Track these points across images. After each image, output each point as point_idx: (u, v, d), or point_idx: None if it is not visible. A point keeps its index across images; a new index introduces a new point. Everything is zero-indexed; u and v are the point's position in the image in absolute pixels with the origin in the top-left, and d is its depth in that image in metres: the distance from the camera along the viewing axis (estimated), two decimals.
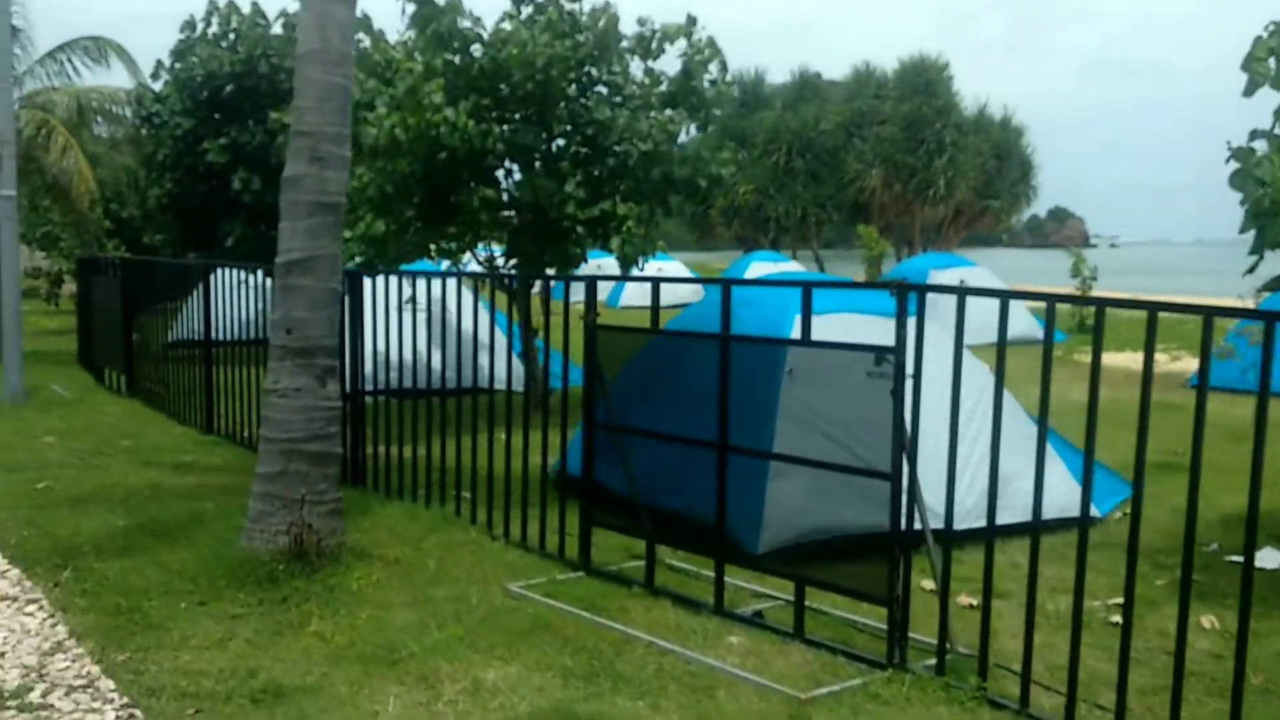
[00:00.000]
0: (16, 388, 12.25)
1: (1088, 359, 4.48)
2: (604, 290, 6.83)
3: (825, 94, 34.50)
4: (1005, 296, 4.80)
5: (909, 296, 4.83)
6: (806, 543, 6.43)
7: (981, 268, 20.84)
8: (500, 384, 12.02)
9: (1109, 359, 4.81)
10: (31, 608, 5.37)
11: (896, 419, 4.75)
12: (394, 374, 9.96)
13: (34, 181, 17.93)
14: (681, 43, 10.90)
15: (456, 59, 10.33)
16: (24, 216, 20.78)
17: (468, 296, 11.76)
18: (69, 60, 17.58)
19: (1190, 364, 16.00)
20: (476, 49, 10.44)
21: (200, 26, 16.59)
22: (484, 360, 10.42)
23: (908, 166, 29.96)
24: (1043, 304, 4.57)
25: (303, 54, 6.30)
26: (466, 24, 10.37)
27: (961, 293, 4.86)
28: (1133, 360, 17.01)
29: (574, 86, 10.66)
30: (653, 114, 10.52)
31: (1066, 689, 4.32)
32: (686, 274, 26.69)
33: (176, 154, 16.46)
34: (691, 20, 10.74)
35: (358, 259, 11.09)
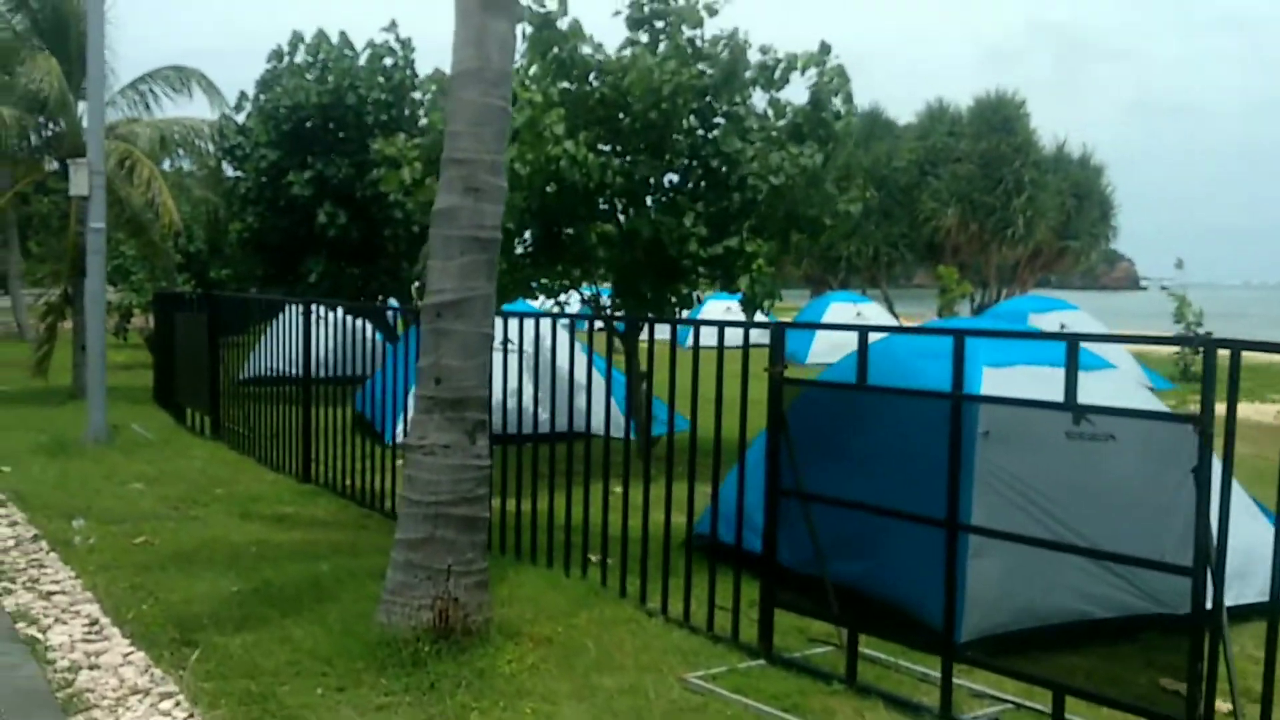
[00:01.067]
0: (100, 428, 11.71)
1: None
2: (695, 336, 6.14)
3: (896, 130, 33.75)
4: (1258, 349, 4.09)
5: (1212, 352, 4.07)
6: (1010, 631, 5.67)
7: (1082, 311, 19.96)
8: (599, 430, 11.41)
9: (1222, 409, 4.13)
10: (167, 704, 4.69)
11: (1201, 504, 3.97)
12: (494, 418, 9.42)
13: (113, 213, 17.52)
14: (808, 71, 10.24)
15: (574, 87, 9.73)
16: None
17: (565, 337, 11.14)
18: (150, 90, 17.25)
19: None
20: (593, 76, 9.83)
21: (287, 57, 16.16)
22: (581, 403, 9.80)
23: (985, 205, 29.05)
24: (1148, 347, 3.85)
25: (459, 74, 5.67)
26: (587, 50, 9.78)
27: (1243, 347, 4.11)
28: (1252, 411, 16.10)
29: (693, 117, 10.02)
30: (784, 148, 9.83)
31: None
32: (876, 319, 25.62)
33: (259, 187, 15.99)
34: (825, 49, 10.09)
35: None
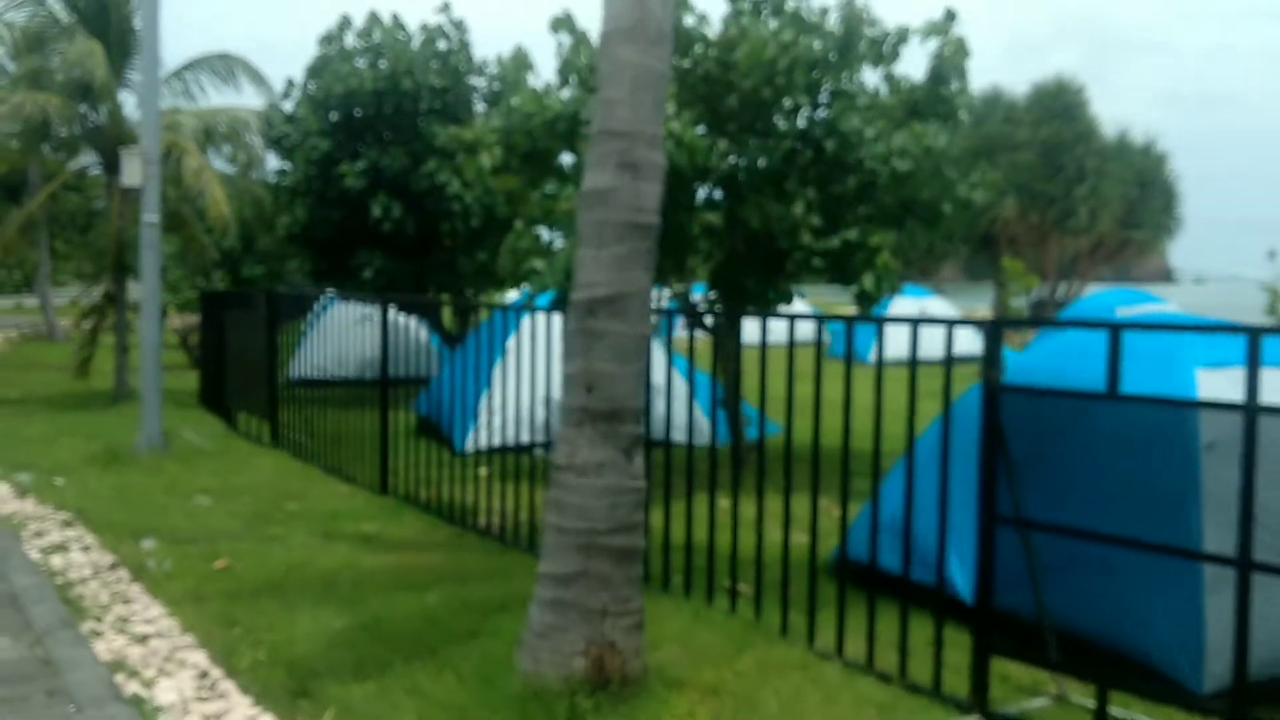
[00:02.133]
0: (155, 435, 10.95)
1: None
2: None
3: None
4: None
5: None
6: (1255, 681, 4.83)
7: (1170, 304, 19.01)
8: (680, 436, 10.61)
9: None
10: None
11: None
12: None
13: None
14: (928, 42, 9.38)
15: (676, 62, 8.89)
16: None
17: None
18: (195, 79, 16.50)
19: None
20: (698, 49, 9.00)
21: (338, 42, 15.35)
22: (660, 407, 9.03)
23: (1045, 195, 28.09)
24: None
25: (612, 31, 4.84)
26: (690, 21, 8.95)
27: None
28: None
29: (802, 95, 9.17)
30: (908, 128, 8.98)
31: None
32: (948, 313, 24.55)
33: (309, 179, 15.21)
34: (950, 16, 9.21)
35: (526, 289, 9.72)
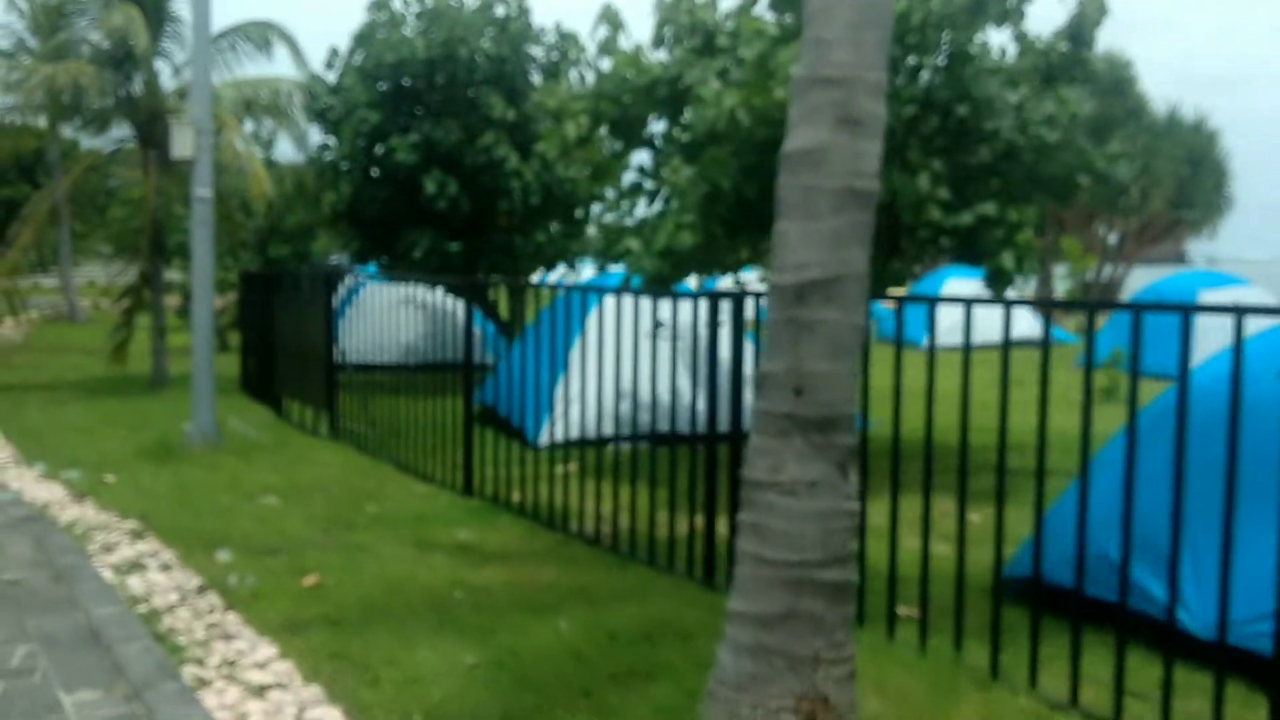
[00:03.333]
0: (208, 426, 10.16)
1: None
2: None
3: None
4: None
5: None
6: None
7: (1255, 285, 18.10)
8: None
9: None
10: None
11: None
12: (646, 415, 7.96)
13: (186, 185, 16.01)
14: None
15: (793, 20, 8.04)
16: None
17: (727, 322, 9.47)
18: (232, 48, 15.65)
19: None
20: None
21: (393, 6, 14.44)
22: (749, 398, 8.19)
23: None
24: None
25: None
26: None
27: None
28: None
29: (930, 55, 8.30)
30: (1054, 92, 8.12)
31: None
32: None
33: (355, 153, 14.35)
34: None
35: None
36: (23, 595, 5.46)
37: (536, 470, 7.94)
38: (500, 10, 14.35)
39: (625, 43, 9.14)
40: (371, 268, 15.99)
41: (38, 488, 8.14)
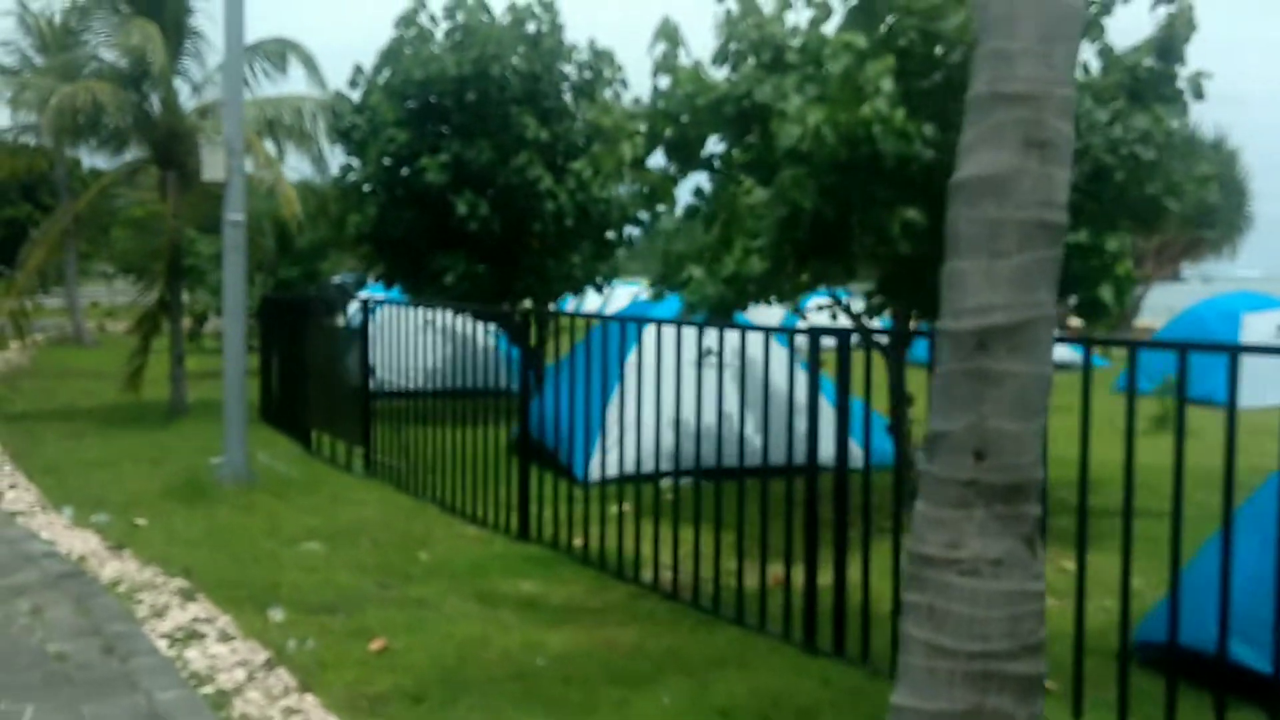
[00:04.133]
0: (240, 463, 9.64)
1: None
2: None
3: None
4: None
5: None
6: None
7: None
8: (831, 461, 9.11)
9: None
10: None
11: None
12: (699, 447, 7.49)
13: (206, 207, 15.52)
14: (1157, 10, 8.02)
15: (876, 33, 7.55)
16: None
17: (779, 351, 8.99)
18: (250, 66, 15.16)
19: None
20: (894, 17, 7.65)
21: (420, 22, 13.95)
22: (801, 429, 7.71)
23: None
24: None
25: None
26: None
27: None
28: None
29: None
30: (1149, 111, 7.64)
31: None
32: None
33: (382, 173, 13.86)
34: None
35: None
36: (73, 672, 4.92)
37: (591, 509, 7.48)
38: (532, 27, 13.87)
39: (685, 59, 8.65)
40: (394, 291, 15.48)
41: (70, 537, 7.59)
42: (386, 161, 13.85)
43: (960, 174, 3.55)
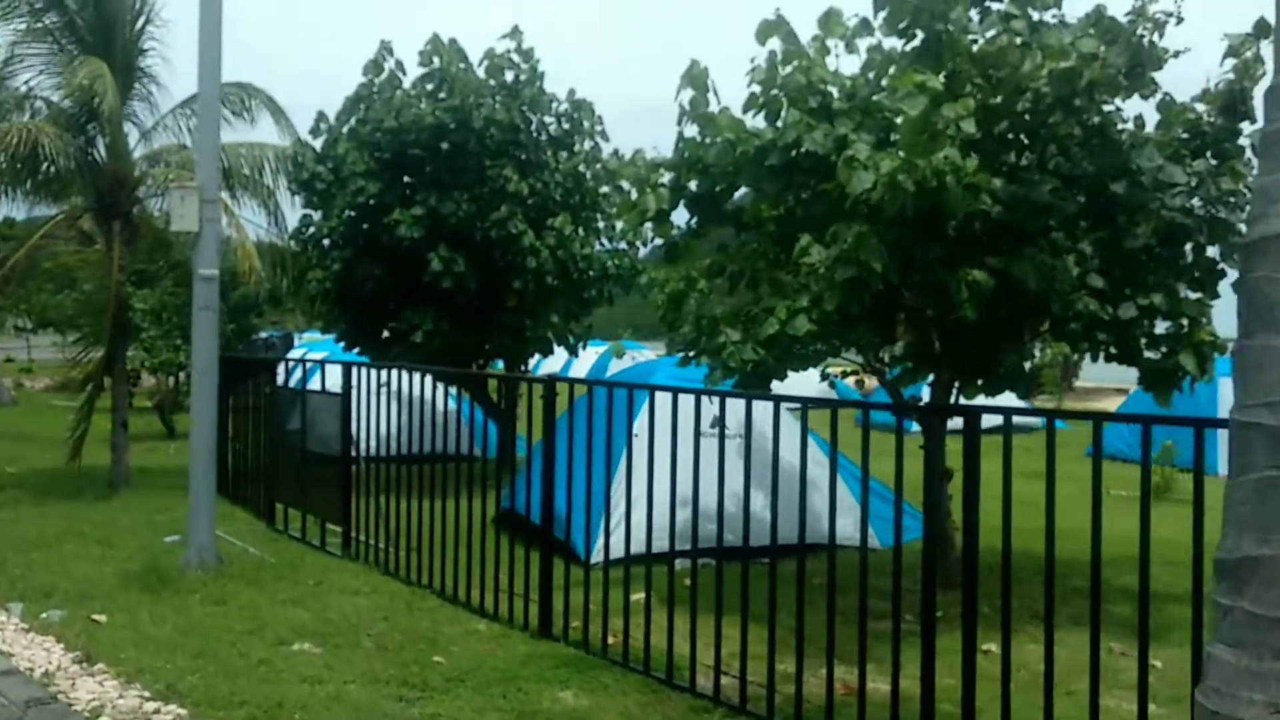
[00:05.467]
0: (207, 546, 8.62)
1: None
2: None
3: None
4: None
5: None
6: None
7: None
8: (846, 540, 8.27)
9: None
10: None
11: None
12: (710, 526, 6.63)
13: (156, 257, 14.49)
14: (1226, 62, 7.55)
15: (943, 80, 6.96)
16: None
17: (789, 421, 8.15)
18: None
19: None
20: (955, 63, 7.08)
21: (387, 68, 13.15)
22: (816, 505, 7.02)
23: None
24: None
25: None
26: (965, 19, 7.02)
27: None
28: None
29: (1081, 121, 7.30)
30: (1231, 167, 7.16)
31: None
32: None
33: (350, 226, 12.98)
34: (1263, 28, 7.38)
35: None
36: None
37: (610, 597, 6.70)
38: (509, 75, 13.15)
39: (714, 105, 7.98)
40: (350, 353, 14.48)
41: (27, 645, 6.52)
42: (352, 214, 12.97)
43: (1262, 228, 2.86)
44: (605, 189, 13.76)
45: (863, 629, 5.27)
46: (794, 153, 7.14)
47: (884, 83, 7.18)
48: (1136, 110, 8.13)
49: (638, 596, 6.67)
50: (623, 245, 14.23)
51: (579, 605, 6.91)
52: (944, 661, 5.06)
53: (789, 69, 7.37)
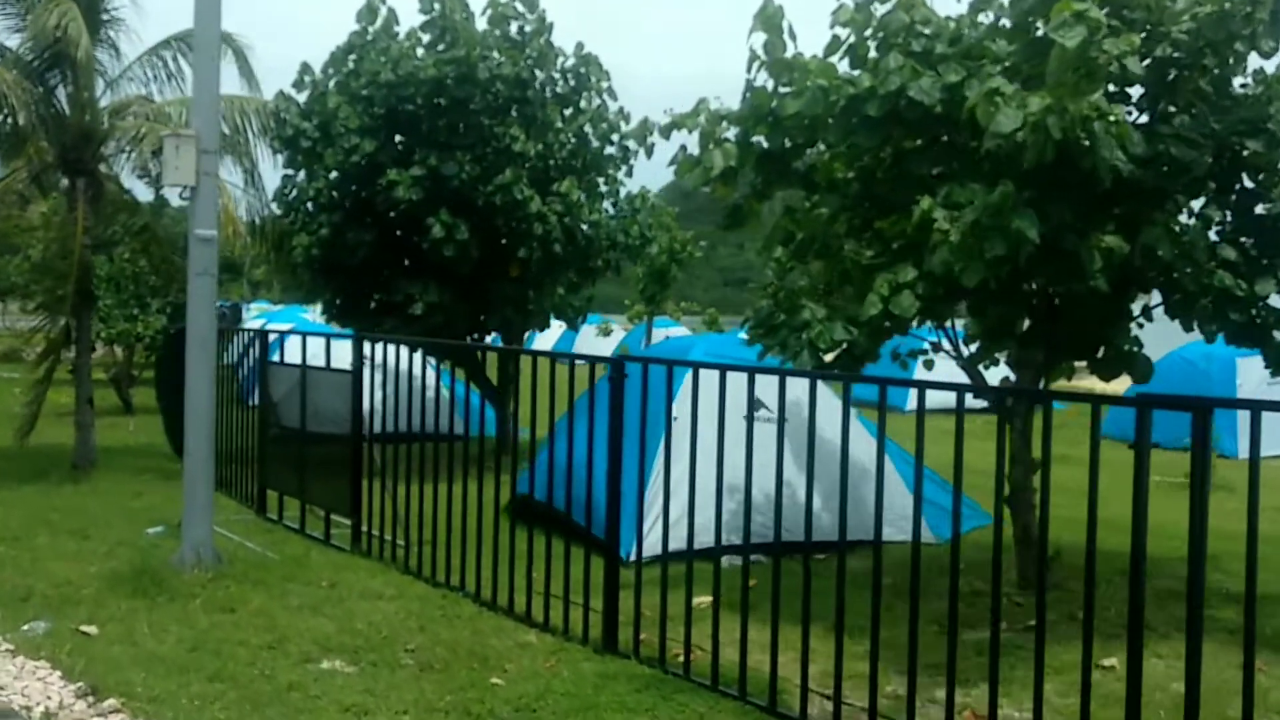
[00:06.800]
0: (205, 542, 7.63)
1: None
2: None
3: None
4: None
5: None
6: None
7: None
8: (897, 533, 7.38)
9: None
10: None
11: None
12: (760, 518, 6.20)
13: (119, 220, 13.29)
14: None
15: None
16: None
17: (830, 400, 7.22)
18: (175, 60, 13.00)
19: None
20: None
21: (383, 12, 12.06)
22: (867, 494, 6.23)
23: None
24: None
25: None
26: None
27: None
28: None
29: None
30: None
31: None
32: None
33: (342, 187, 11.92)
34: None
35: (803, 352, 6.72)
36: None
37: (663, 601, 5.91)
38: (514, 27, 12.15)
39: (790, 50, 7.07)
40: (316, 324, 13.45)
41: (17, 671, 5.49)
42: (341, 174, 11.93)
43: None
44: (610, 150, 12.86)
45: (993, 650, 4.50)
46: (898, 102, 6.27)
47: (1003, 23, 6.32)
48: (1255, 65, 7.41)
49: (699, 600, 5.87)
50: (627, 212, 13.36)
51: (630, 611, 6.08)
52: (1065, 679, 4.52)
53: (887, 7, 6.49)
